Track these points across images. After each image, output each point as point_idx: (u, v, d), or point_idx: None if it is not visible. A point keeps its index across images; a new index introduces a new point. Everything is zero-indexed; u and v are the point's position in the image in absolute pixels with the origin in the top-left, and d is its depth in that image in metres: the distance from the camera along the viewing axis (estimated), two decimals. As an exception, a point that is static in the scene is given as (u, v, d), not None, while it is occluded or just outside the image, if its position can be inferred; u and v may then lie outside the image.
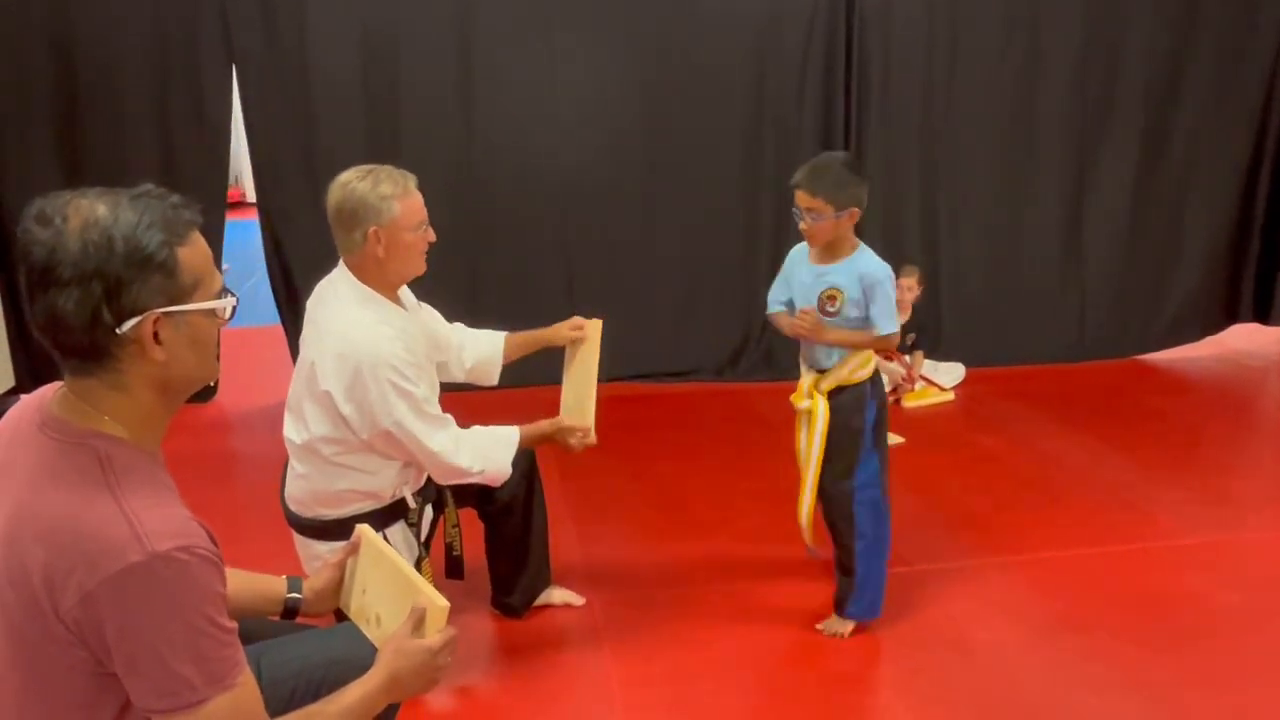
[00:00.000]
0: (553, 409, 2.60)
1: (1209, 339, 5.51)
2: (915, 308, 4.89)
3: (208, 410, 4.61)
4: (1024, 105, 5.08)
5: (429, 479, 2.44)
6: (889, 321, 2.51)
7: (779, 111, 4.92)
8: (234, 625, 1.22)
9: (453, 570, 2.61)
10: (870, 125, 4.97)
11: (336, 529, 2.24)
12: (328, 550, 2.24)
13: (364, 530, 1.69)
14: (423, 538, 2.44)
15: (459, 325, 2.72)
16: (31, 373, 4.51)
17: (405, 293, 2.44)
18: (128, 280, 1.14)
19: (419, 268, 2.32)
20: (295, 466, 2.33)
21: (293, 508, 2.36)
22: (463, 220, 4.59)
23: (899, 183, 5.06)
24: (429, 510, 2.48)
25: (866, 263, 2.54)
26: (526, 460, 2.61)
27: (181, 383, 1.26)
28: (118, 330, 1.15)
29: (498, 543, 2.69)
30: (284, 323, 4.78)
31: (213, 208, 4.61)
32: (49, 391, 1.27)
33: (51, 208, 1.15)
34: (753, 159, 4.96)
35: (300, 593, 1.66)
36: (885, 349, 2.49)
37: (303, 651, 1.54)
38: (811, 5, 4.83)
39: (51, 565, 1.12)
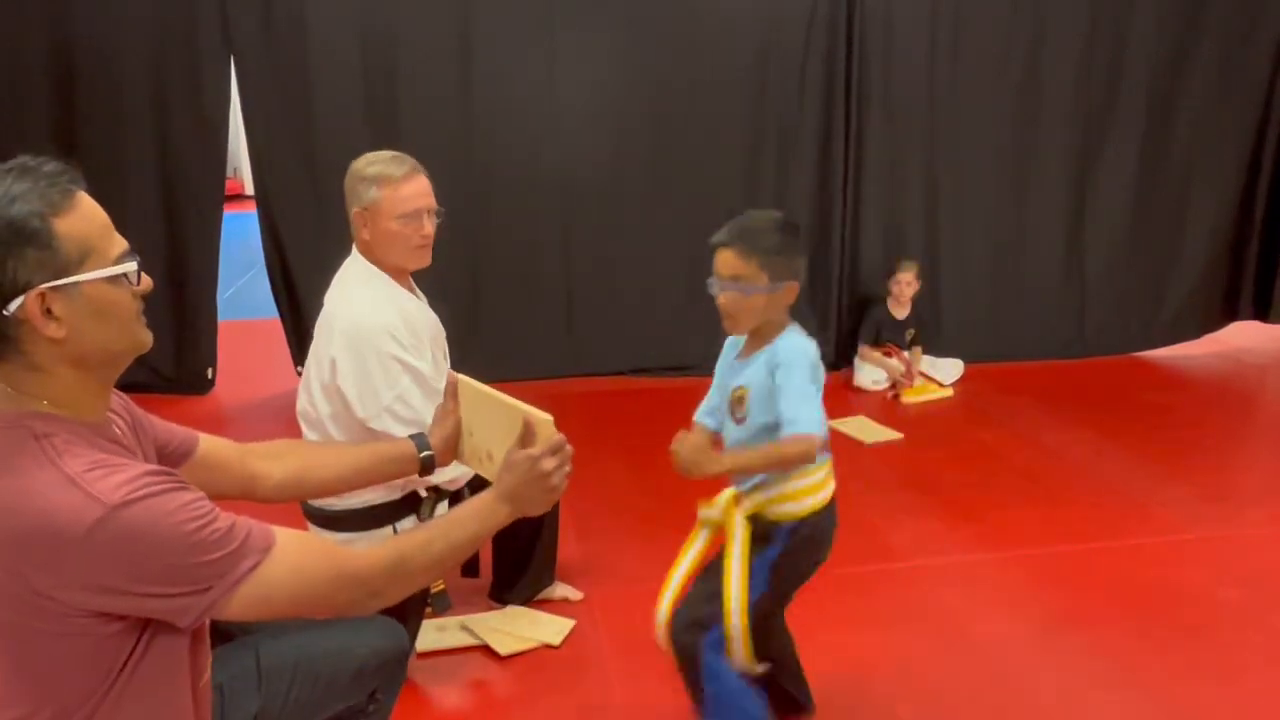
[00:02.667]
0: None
1: (1209, 336, 5.52)
2: (915, 303, 4.89)
3: (205, 402, 4.60)
4: (1026, 102, 5.07)
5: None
6: (802, 414, 1.80)
7: (780, 108, 4.90)
8: (230, 522, 1.17)
9: (468, 569, 2.59)
10: (871, 123, 4.95)
11: (347, 519, 2.22)
12: (336, 540, 2.22)
13: (456, 376, 1.72)
14: None
15: None
16: None
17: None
18: (1, 259, 1.10)
19: (410, 259, 2.25)
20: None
21: None
22: (462, 217, 4.58)
23: (900, 179, 5.04)
24: (442, 506, 2.44)
25: (781, 343, 1.90)
26: None
27: (98, 355, 1.19)
28: (4, 313, 1.11)
29: (506, 540, 2.66)
30: (282, 315, 4.77)
31: (211, 201, 4.62)
32: None
33: None
34: (753, 156, 4.92)
35: (430, 449, 1.70)
36: (806, 455, 1.81)
37: (299, 642, 1.53)
38: (812, 2, 4.82)
39: (19, 552, 1.09)
